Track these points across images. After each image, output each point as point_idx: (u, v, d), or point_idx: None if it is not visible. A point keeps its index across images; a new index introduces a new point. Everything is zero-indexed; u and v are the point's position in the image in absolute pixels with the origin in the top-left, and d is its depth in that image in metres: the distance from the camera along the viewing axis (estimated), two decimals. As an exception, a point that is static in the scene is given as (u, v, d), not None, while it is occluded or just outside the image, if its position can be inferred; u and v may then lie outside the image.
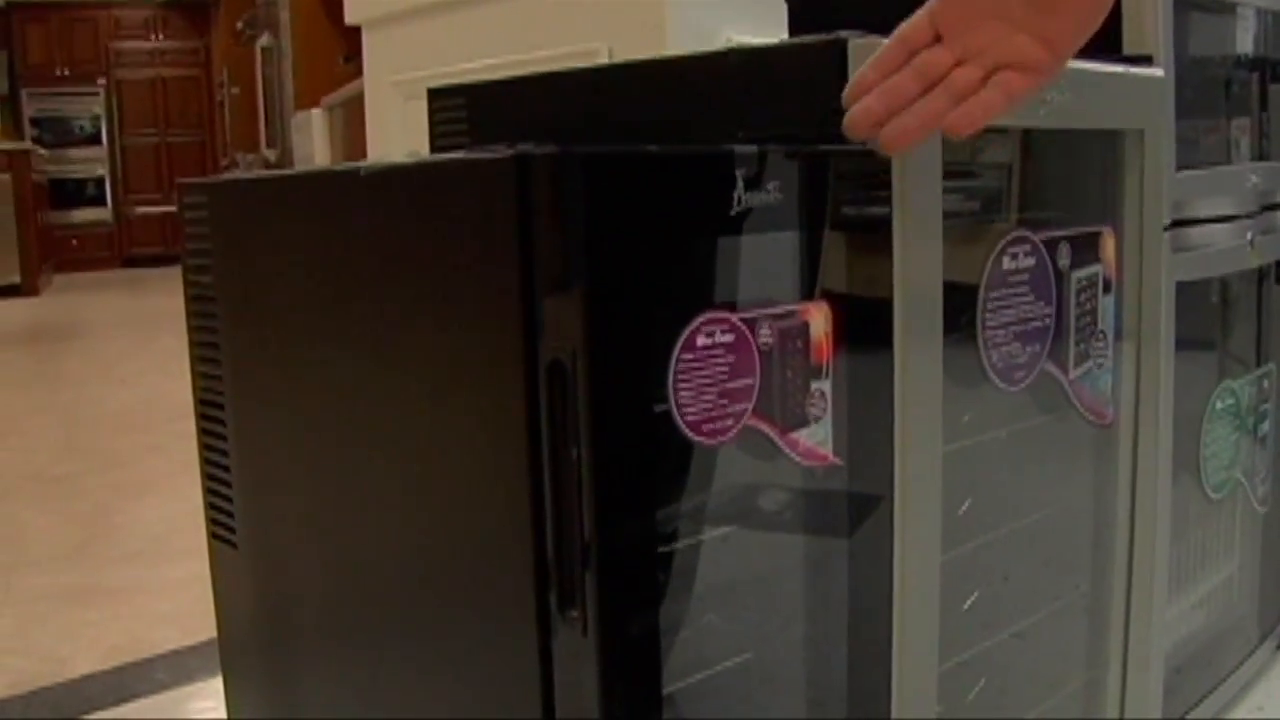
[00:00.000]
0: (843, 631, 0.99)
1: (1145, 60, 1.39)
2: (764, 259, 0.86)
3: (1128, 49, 1.43)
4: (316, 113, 5.42)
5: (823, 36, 1.04)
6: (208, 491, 1.27)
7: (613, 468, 0.77)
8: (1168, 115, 1.40)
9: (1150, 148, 1.34)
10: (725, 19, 1.83)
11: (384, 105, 2.37)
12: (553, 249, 0.76)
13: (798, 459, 0.89)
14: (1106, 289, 1.29)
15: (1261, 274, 1.84)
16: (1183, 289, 1.52)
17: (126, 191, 12.60)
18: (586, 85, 1.24)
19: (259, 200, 1.10)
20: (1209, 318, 1.74)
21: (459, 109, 1.33)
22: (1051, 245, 1.19)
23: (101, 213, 12.47)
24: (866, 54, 0.98)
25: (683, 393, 0.80)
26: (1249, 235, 1.66)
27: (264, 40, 8.99)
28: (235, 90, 10.91)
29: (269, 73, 8.92)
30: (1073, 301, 1.23)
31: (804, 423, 0.88)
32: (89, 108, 12.49)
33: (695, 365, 0.80)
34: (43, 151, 11.14)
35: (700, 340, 0.80)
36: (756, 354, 0.84)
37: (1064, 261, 1.21)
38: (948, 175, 1.08)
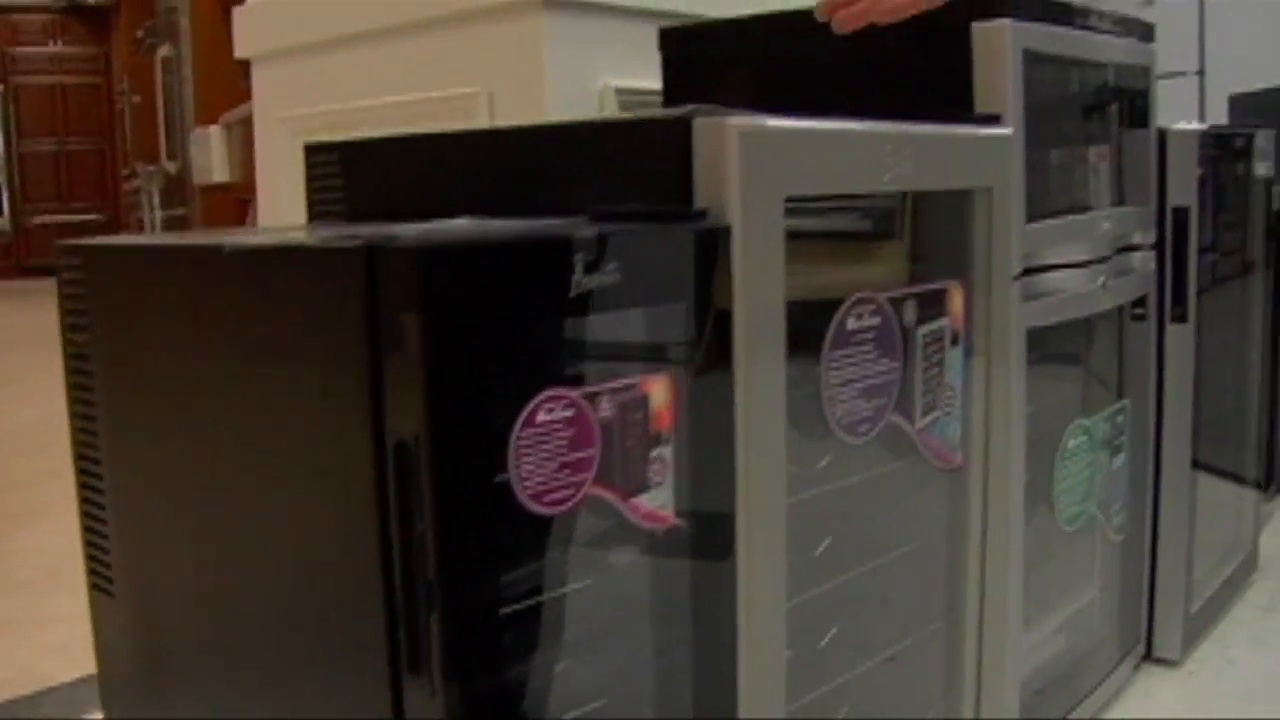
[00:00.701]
0: (690, 676, 1.04)
1: (994, 119, 1.46)
2: (605, 335, 0.91)
3: (979, 108, 1.49)
4: (214, 130, 5.40)
5: (671, 112, 1.09)
6: (87, 543, 1.29)
7: (456, 540, 0.82)
8: (1016, 172, 1.47)
9: (999, 204, 1.41)
10: (603, 66, 1.88)
11: (272, 140, 2.39)
12: (397, 337, 0.80)
13: (640, 522, 0.94)
14: (954, 341, 1.35)
15: (1121, 312, 1.92)
16: (1044, 328, 1.60)
17: (25, 200, 12.39)
18: (454, 147, 1.28)
19: (131, 267, 1.13)
20: (1068, 356, 1.81)
21: (333, 165, 1.37)
22: (897, 303, 1.26)
23: (-2, 222, 12.27)
24: (709, 132, 1.03)
25: (524, 467, 0.85)
26: (1101, 279, 1.74)
27: (165, 50, 8.90)
28: (136, 99, 10.79)
29: (170, 82, 8.85)
30: (919, 356, 1.29)
31: (645, 488, 0.94)
32: (-14, 114, 12.28)
33: (536, 440, 0.85)
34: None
35: (540, 416, 0.85)
36: (597, 427, 0.89)
37: (910, 318, 1.28)
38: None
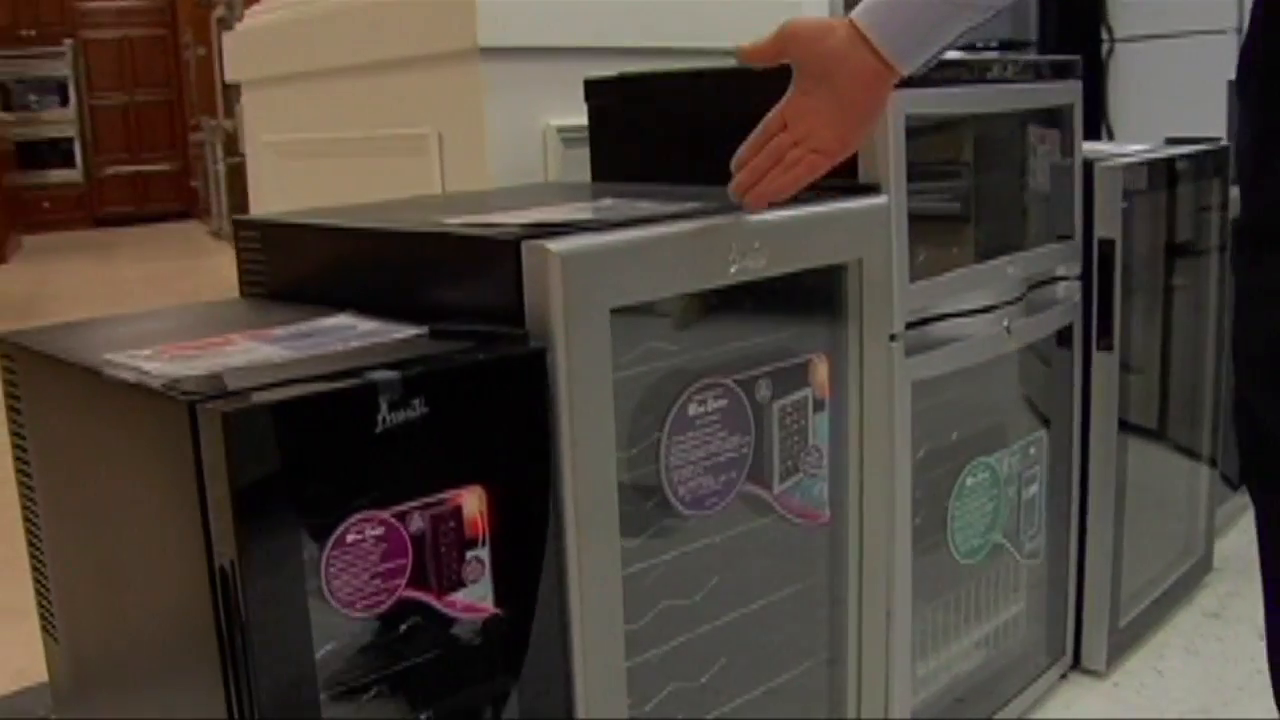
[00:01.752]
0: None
1: (873, 189, 1.54)
2: (416, 459, 1.04)
3: (863, 174, 1.57)
4: (255, 104, 5.53)
5: (504, 232, 1.20)
6: (37, 592, 1.45)
7: (271, 648, 0.96)
8: (892, 238, 1.54)
9: (870, 274, 1.49)
10: (544, 106, 1.98)
11: (261, 162, 2.52)
12: (213, 483, 0.94)
13: (458, 615, 1.07)
14: (819, 408, 1.45)
15: (1059, 338, 2.00)
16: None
17: (96, 152, 12.67)
18: (347, 239, 1.41)
19: (42, 374, 1.27)
20: (975, 393, 1.89)
21: (256, 241, 1.50)
22: (749, 383, 1.36)
23: (71, 174, 12.55)
24: (534, 255, 1.14)
25: (335, 581, 0.98)
26: (1005, 322, 1.82)
27: (219, 11, 9.08)
28: (201, 51, 11.00)
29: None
30: (775, 428, 1.40)
31: (461, 585, 1.06)
32: (56, 69, 12.53)
33: (345, 559, 0.98)
34: (8, 116, 11.26)
35: (350, 538, 0.98)
36: (408, 539, 1.02)
37: (763, 395, 1.38)
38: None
